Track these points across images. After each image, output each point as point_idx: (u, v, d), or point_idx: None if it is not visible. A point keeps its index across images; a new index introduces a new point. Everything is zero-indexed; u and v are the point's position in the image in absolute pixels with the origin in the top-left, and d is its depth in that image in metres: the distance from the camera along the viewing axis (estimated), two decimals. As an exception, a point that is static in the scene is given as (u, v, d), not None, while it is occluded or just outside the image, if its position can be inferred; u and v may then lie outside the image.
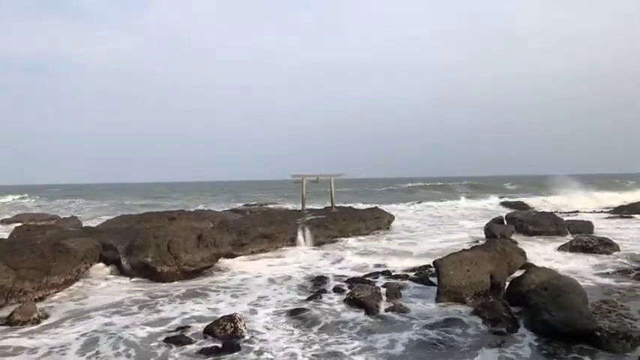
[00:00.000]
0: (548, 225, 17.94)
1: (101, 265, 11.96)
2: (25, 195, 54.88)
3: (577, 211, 28.93)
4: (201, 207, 31.64)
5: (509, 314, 7.68)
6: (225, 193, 64.61)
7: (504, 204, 35.47)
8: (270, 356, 6.51)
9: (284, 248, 15.38)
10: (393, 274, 11.51)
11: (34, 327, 7.79)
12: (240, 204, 36.49)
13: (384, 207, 25.11)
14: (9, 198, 50.83)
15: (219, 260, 12.58)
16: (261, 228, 15.30)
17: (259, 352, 6.63)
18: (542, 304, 7.36)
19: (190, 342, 6.98)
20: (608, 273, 11.17)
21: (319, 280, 10.93)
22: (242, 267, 12.72)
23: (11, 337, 7.33)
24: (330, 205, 23.90)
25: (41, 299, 9.35)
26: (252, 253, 14.59)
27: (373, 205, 24.32)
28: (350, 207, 24.45)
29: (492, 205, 35.28)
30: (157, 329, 7.62)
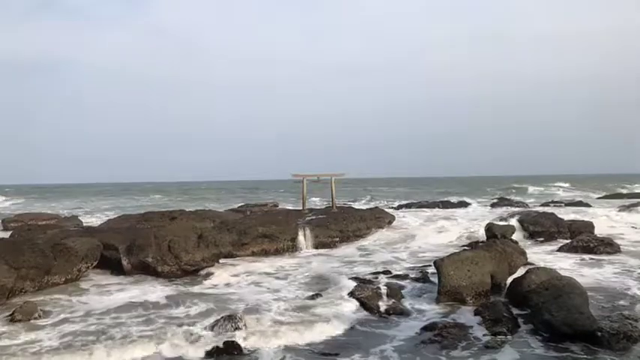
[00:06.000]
0: (548, 225, 17.91)
1: (102, 264, 11.97)
2: (23, 199, 54.65)
3: None
4: (202, 207, 31.62)
5: (510, 314, 7.68)
6: (226, 193, 64.61)
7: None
8: (270, 356, 6.51)
9: (284, 248, 15.37)
10: (394, 273, 11.51)
11: (35, 326, 7.78)
12: (241, 204, 36.48)
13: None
14: (10, 201, 50.59)
15: (220, 260, 12.58)
16: (261, 228, 15.28)
17: (259, 353, 6.64)
18: (543, 305, 7.37)
19: (191, 342, 6.99)
20: (608, 273, 11.17)
21: (319, 280, 10.93)
22: (242, 267, 12.71)
23: (12, 336, 7.34)
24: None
25: (42, 299, 9.35)
26: (253, 253, 14.59)
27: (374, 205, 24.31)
28: (350, 207, 24.44)
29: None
30: (158, 329, 7.61)
